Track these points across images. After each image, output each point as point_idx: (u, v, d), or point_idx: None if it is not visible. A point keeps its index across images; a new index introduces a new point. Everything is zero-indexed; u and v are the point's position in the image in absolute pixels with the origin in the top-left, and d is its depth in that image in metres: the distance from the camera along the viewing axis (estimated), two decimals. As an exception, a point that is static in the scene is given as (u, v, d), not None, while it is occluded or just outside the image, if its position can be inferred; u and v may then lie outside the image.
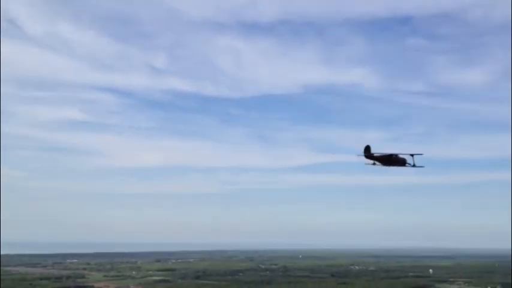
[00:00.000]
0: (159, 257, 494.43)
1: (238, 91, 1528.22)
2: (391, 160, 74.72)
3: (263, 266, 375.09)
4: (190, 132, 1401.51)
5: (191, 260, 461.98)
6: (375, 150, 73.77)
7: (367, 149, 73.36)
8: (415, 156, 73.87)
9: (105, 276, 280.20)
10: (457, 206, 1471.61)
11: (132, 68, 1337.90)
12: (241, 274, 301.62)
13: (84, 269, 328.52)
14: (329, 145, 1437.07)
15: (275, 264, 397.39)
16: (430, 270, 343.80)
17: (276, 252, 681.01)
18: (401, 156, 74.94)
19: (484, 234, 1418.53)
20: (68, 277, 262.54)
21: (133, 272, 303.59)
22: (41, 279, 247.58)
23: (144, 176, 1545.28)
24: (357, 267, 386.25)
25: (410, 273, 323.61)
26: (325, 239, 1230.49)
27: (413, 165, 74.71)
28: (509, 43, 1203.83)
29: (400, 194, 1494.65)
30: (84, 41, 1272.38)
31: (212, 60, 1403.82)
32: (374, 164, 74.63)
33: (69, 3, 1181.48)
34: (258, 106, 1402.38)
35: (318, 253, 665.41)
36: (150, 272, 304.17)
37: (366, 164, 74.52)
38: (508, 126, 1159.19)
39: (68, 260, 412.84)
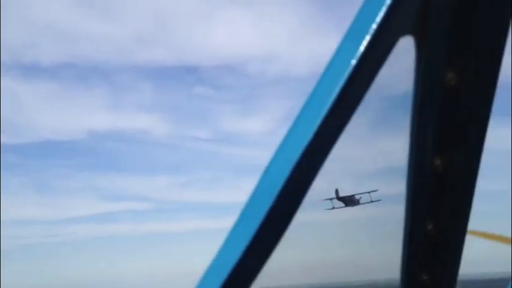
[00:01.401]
0: None
1: (15, 137, 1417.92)
2: (351, 200, 77.35)
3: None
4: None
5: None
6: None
7: (337, 192, 74.67)
8: (371, 193, 76.13)
9: None
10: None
11: None
12: None
13: None
14: (118, 193, 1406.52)
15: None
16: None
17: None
18: (356, 196, 78.19)
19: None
20: None
21: None
22: None
23: None
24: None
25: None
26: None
27: (371, 201, 76.17)
28: (282, 94, 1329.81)
29: (190, 240, 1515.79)
30: None
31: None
32: (333, 208, 75.59)
33: None
34: (38, 153, 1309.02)
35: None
36: None
37: (326, 209, 76.00)
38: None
39: None
